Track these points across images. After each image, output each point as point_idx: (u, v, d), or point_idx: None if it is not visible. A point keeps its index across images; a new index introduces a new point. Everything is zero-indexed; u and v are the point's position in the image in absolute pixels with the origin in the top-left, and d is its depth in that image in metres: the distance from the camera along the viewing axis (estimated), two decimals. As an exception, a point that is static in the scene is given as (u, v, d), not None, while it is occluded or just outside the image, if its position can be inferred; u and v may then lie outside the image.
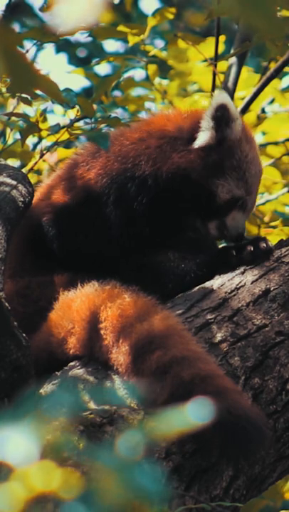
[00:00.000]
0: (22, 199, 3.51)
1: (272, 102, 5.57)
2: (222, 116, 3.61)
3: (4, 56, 1.91)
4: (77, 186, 3.64)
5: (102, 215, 3.57)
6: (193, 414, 1.96)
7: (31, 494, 1.91)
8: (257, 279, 3.37)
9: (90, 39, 9.25)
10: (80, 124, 4.05)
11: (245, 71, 5.30)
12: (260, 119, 5.41)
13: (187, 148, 3.62)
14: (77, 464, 2.64)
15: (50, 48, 9.28)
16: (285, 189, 5.44)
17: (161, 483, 2.87)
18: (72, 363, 3.28)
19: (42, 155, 4.39)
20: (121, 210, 3.57)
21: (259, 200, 5.37)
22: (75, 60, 9.78)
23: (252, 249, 3.44)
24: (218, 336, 3.26)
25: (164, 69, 5.60)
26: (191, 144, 3.63)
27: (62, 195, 3.66)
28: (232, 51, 5.08)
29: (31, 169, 4.57)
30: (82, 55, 9.99)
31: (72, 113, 4.09)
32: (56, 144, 4.20)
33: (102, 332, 3.21)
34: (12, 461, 1.87)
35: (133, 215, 3.56)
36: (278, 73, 5.04)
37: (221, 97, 3.66)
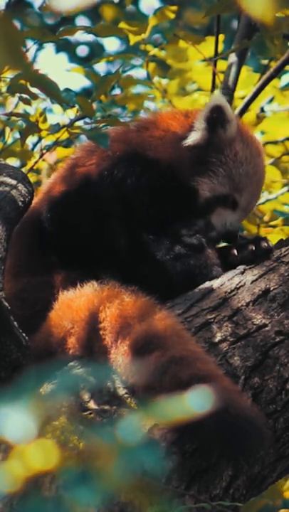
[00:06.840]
0: (22, 199, 3.51)
1: (271, 101, 5.57)
2: (217, 118, 3.65)
3: (5, 47, 1.91)
4: (77, 173, 3.66)
5: (104, 199, 3.59)
6: (194, 402, 1.97)
7: (29, 473, 1.92)
8: (257, 279, 3.37)
9: (90, 37, 9.25)
10: (80, 123, 4.06)
11: (245, 70, 5.30)
12: (260, 118, 5.41)
13: (179, 145, 3.66)
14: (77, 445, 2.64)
15: (50, 47, 9.29)
16: (285, 188, 5.44)
17: (162, 460, 2.87)
18: (72, 363, 3.28)
19: (42, 154, 4.39)
20: (123, 189, 3.58)
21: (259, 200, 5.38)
22: (75, 60, 9.78)
23: (253, 248, 3.45)
24: (218, 336, 3.26)
25: (163, 68, 5.60)
26: (183, 142, 3.67)
27: (60, 185, 3.68)
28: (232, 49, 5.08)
29: (31, 169, 4.57)
30: (82, 54, 10.00)
31: (71, 112, 4.10)
32: (56, 143, 4.20)
33: (101, 332, 3.21)
34: (11, 439, 1.88)
35: (135, 197, 3.58)
36: (278, 73, 5.04)
37: (216, 98, 3.72)
